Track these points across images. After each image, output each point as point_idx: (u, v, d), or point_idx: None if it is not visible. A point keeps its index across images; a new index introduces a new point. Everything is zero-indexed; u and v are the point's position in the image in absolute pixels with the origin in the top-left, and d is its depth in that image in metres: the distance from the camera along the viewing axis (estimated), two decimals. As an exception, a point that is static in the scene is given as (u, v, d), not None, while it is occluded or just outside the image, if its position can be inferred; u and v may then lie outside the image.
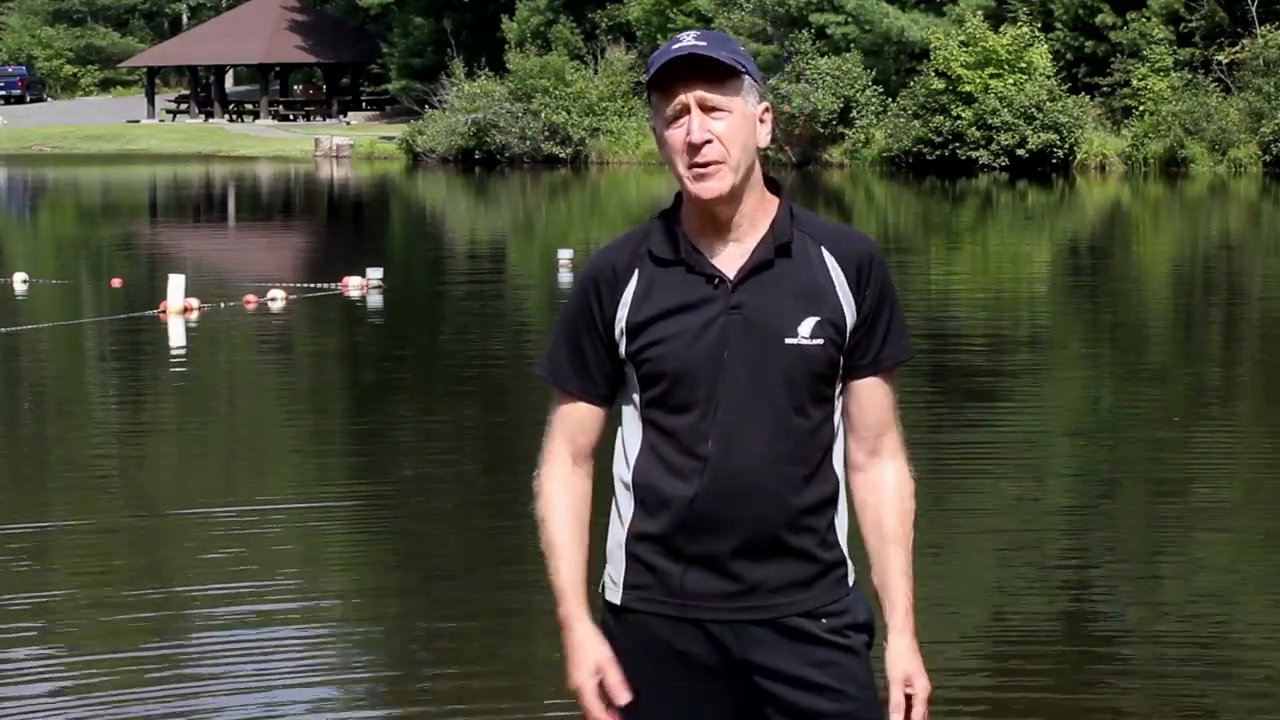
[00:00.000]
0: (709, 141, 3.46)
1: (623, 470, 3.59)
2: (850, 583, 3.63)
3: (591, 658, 3.57)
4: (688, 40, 3.48)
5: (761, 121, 3.54)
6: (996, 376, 15.84)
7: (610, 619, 3.61)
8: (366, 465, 12.09)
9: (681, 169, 3.49)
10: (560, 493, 3.62)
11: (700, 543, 3.51)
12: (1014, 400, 14.51)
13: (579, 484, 3.64)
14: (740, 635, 3.53)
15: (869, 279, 3.55)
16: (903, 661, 3.61)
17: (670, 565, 3.53)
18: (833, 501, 3.59)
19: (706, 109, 3.47)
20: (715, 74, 3.47)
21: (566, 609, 3.59)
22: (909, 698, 3.60)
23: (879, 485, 3.64)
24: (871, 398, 3.60)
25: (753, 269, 3.52)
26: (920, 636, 3.69)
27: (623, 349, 3.54)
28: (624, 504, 3.58)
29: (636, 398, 3.57)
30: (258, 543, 9.87)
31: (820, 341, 3.51)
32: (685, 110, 3.48)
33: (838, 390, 3.59)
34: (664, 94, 3.50)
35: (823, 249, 3.56)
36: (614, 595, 3.60)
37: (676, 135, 3.49)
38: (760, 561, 3.52)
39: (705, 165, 3.46)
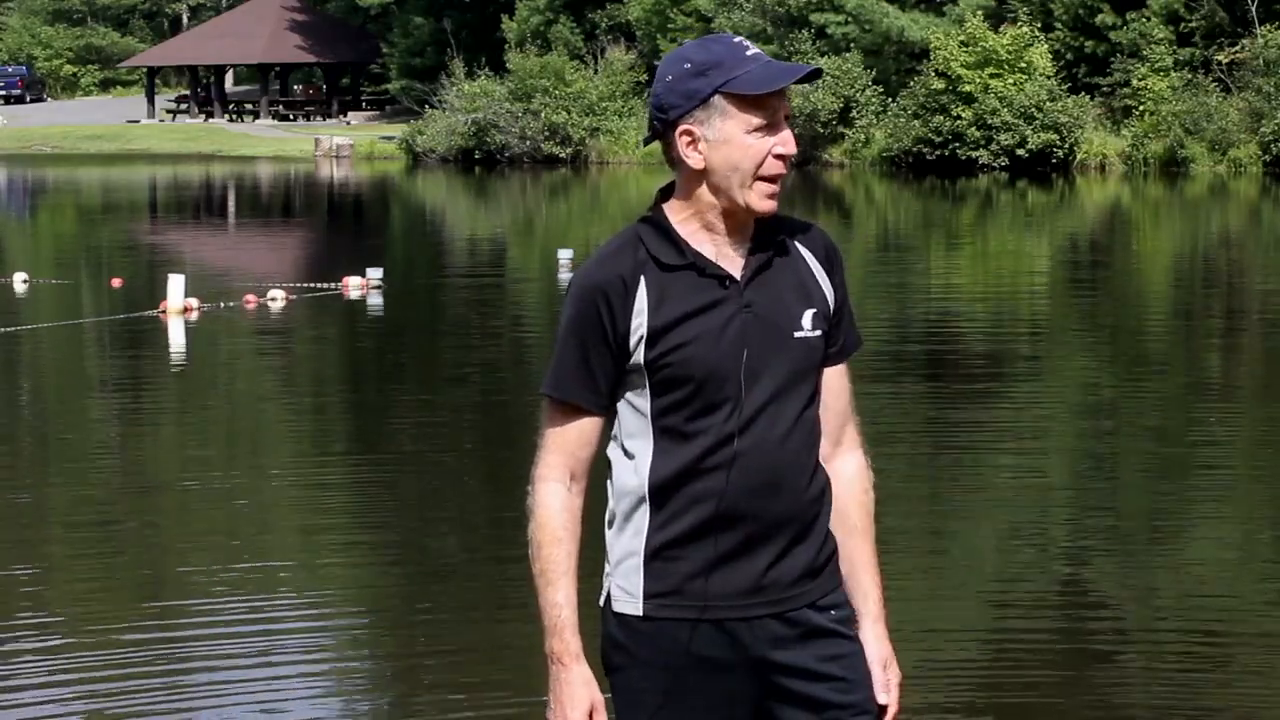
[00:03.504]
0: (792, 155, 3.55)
1: (632, 478, 3.55)
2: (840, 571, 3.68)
3: (588, 698, 3.55)
4: (755, 48, 3.53)
5: None
6: (996, 368, 15.87)
7: (621, 631, 3.57)
8: (366, 464, 12.08)
9: (748, 178, 3.50)
10: (559, 513, 3.56)
11: (727, 541, 3.51)
12: (1013, 391, 14.52)
13: (574, 502, 3.59)
14: (755, 630, 3.54)
15: (836, 265, 3.65)
16: (881, 647, 3.67)
17: (695, 569, 3.52)
18: (829, 489, 3.64)
19: (786, 121, 3.54)
20: (787, 90, 3.53)
21: (564, 644, 3.55)
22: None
23: (844, 477, 3.68)
24: (839, 386, 3.67)
25: (758, 268, 3.55)
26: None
27: (640, 356, 3.51)
28: (638, 512, 3.55)
29: (645, 405, 3.54)
30: (257, 536, 9.91)
31: (819, 333, 3.58)
32: (777, 122, 3.51)
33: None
34: (754, 104, 3.49)
35: (796, 243, 3.62)
36: (631, 606, 3.56)
37: (760, 145, 3.49)
38: (784, 554, 3.55)
39: (778, 179, 3.52)
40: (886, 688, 3.65)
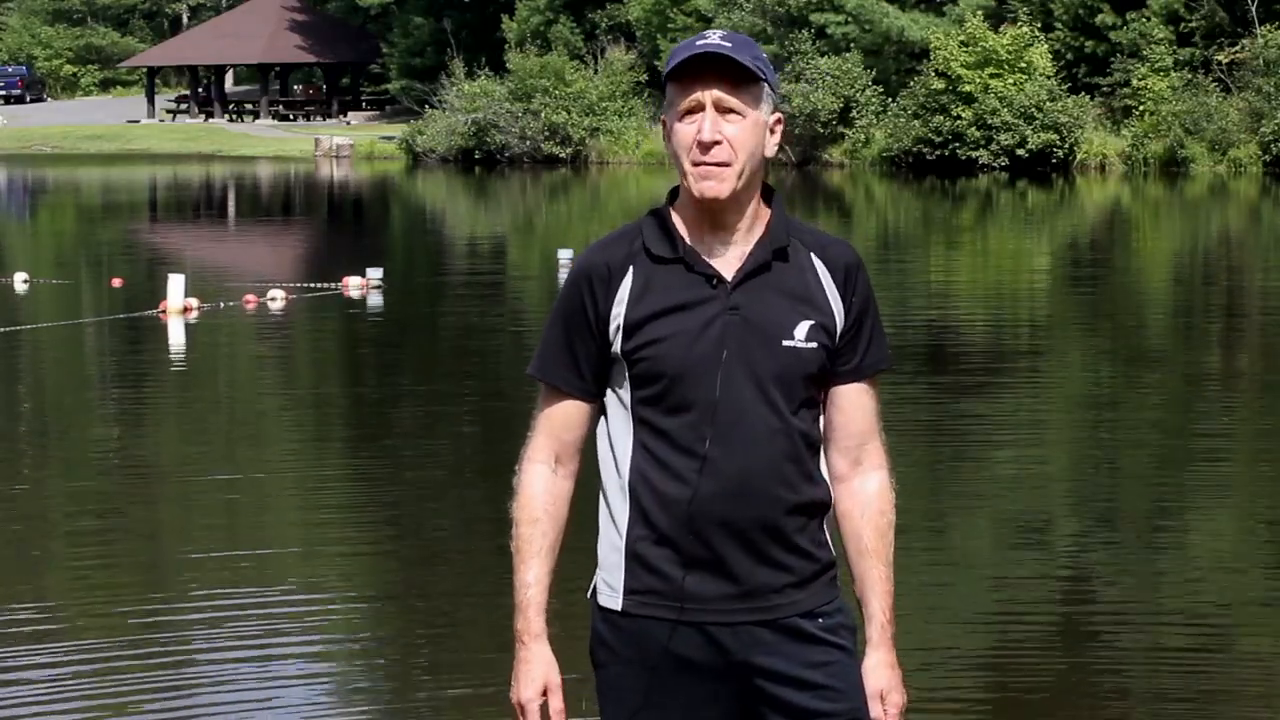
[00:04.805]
0: (718, 142, 3.46)
1: (614, 473, 3.56)
2: (839, 584, 3.64)
3: (542, 677, 3.57)
4: (714, 39, 3.48)
5: (772, 132, 3.54)
6: (997, 363, 15.90)
7: (604, 626, 3.58)
8: (365, 458, 12.10)
9: (686, 165, 3.49)
10: (539, 494, 3.58)
11: (701, 544, 3.50)
12: (1014, 385, 14.54)
13: (559, 485, 3.60)
14: (740, 636, 3.52)
15: (855, 285, 3.58)
16: (878, 676, 3.62)
17: (671, 568, 3.51)
18: (826, 503, 3.60)
19: (721, 110, 3.47)
20: (736, 76, 3.47)
21: (525, 623, 3.57)
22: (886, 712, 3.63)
23: (861, 497, 3.63)
24: (855, 404, 3.61)
25: (751, 271, 3.52)
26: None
27: (618, 346, 3.52)
28: (618, 508, 3.55)
29: (626, 397, 3.55)
30: (257, 527, 9.96)
31: (814, 345, 3.53)
32: (699, 107, 3.48)
33: (822, 395, 3.60)
34: (681, 88, 3.49)
35: (812, 255, 3.58)
36: (612, 601, 3.57)
37: (687, 131, 3.48)
38: (761, 562, 3.52)
39: (711, 166, 3.47)
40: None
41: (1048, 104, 46.87)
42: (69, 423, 13.79)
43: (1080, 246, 30.39)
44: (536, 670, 3.57)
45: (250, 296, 20.70)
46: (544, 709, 3.57)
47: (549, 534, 3.58)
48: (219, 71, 79.41)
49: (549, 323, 3.61)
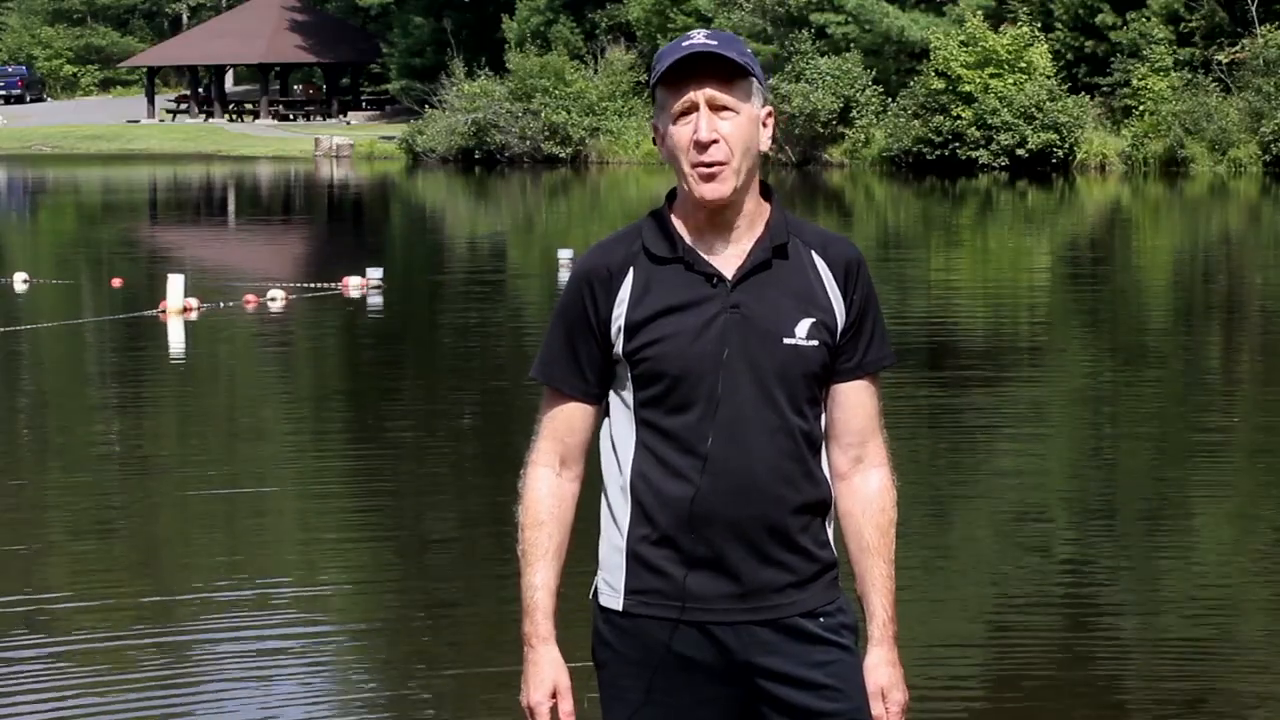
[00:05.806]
0: (715, 141, 3.46)
1: (616, 473, 3.56)
2: (840, 584, 3.64)
3: (551, 680, 3.57)
4: (699, 39, 3.48)
5: (764, 125, 3.55)
6: (997, 360, 15.92)
7: (606, 626, 3.58)
8: (365, 460, 12.12)
9: (685, 167, 3.49)
10: (544, 497, 3.59)
11: (703, 543, 3.50)
12: (1013, 382, 14.56)
13: (564, 487, 3.60)
14: (741, 636, 3.52)
15: (856, 283, 3.58)
16: (879, 674, 3.61)
17: (673, 568, 3.51)
18: (827, 502, 3.60)
19: (714, 108, 3.47)
20: (725, 74, 3.47)
21: (533, 626, 3.57)
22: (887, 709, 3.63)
23: (862, 494, 3.62)
24: (856, 402, 3.60)
25: (751, 269, 3.52)
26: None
27: (620, 347, 3.52)
28: (619, 508, 3.56)
29: (629, 398, 3.55)
30: (257, 531, 9.98)
31: (815, 343, 3.53)
32: (693, 108, 3.48)
33: (823, 393, 3.60)
34: (672, 90, 3.50)
35: (813, 252, 3.58)
36: (613, 601, 3.57)
37: (683, 133, 3.49)
38: (763, 561, 3.51)
39: (710, 165, 3.47)
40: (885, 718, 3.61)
41: (1048, 104, 46.87)
42: (69, 422, 13.80)
43: (1080, 246, 30.40)
44: (545, 673, 3.57)
45: (250, 296, 20.70)
46: (554, 712, 3.57)
47: (555, 537, 3.59)
48: (219, 71, 79.40)
49: (551, 326, 3.61)
